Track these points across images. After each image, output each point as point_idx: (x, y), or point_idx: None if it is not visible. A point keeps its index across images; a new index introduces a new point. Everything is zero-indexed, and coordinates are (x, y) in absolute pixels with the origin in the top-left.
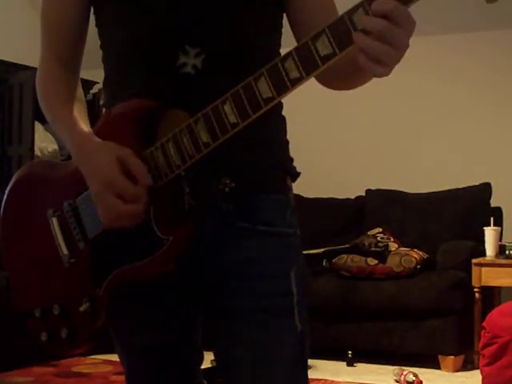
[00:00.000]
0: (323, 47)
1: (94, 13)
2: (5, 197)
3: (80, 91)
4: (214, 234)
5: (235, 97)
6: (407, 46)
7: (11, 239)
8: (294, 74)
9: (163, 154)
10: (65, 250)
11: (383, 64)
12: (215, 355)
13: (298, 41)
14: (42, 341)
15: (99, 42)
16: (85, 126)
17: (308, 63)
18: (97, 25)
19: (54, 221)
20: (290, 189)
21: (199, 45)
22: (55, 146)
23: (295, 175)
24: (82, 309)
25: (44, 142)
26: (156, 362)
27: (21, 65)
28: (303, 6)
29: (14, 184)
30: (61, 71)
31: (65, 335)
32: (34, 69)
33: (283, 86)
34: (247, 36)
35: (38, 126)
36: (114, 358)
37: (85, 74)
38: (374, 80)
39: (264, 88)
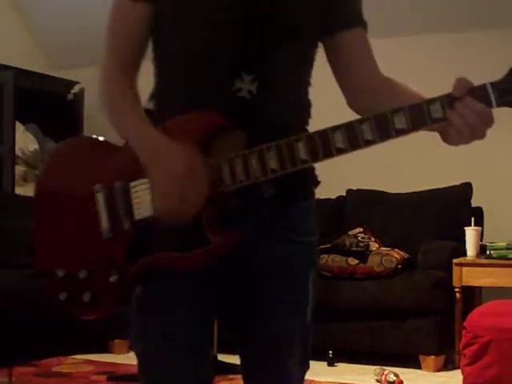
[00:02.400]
0: (399, 122)
1: (155, 28)
2: (48, 159)
3: (139, 94)
4: (253, 237)
5: (310, 139)
6: (484, 136)
7: (45, 201)
8: (368, 136)
9: (229, 168)
10: (106, 224)
11: (462, 139)
12: (236, 345)
13: (337, 76)
14: (60, 300)
15: (153, 55)
16: (151, 127)
17: (383, 131)
18: (155, 39)
19: (100, 196)
20: (314, 195)
21: (253, 72)
22: (36, 146)
23: (318, 183)
24: (111, 279)
25: (25, 142)
26: (175, 338)
27: (1, 64)
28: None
29: (60, 151)
30: (126, 78)
31: (87, 299)
32: (15, 69)
33: (356, 142)
34: (294, 65)
35: (18, 126)
36: (95, 357)
37: (66, 73)
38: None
39: (339, 139)
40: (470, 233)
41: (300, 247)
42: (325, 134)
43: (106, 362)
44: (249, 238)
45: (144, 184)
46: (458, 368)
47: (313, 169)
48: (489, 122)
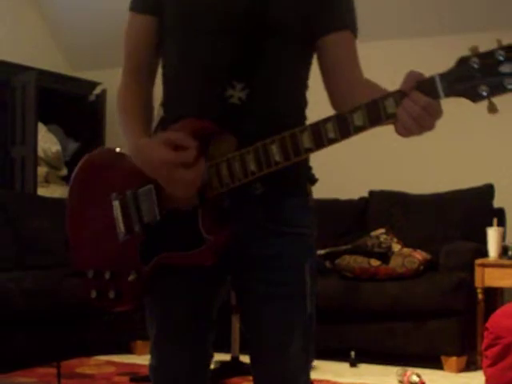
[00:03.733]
0: (357, 119)
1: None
2: (76, 170)
3: (151, 99)
4: (248, 232)
5: (282, 141)
6: (433, 127)
7: (76, 208)
8: (331, 135)
9: (216, 172)
10: (122, 228)
11: (410, 132)
12: (244, 331)
13: (323, 78)
14: (91, 298)
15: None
16: (145, 135)
17: (343, 129)
18: (162, 51)
19: (117, 203)
20: (310, 193)
21: (244, 81)
22: (58, 147)
23: (314, 181)
24: (130, 278)
25: (47, 143)
26: (181, 324)
27: (24, 66)
28: (332, 52)
29: (85, 163)
30: (137, 87)
31: (112, 296)
32: (37, 70)
33: (320, 142)
34: (283, 70)
35: (41, 127)
36: (117, 358)
37: (88, 74)
38: (378, 82)
39: (306, 140)
40: (492, 234)
41: (292, 239)
42: (294, 136)
43: (128, 363)
44: (243, 235)
45: (148, 189)
46: (480, 369)
47: (308, 167)
48: (435, 114)
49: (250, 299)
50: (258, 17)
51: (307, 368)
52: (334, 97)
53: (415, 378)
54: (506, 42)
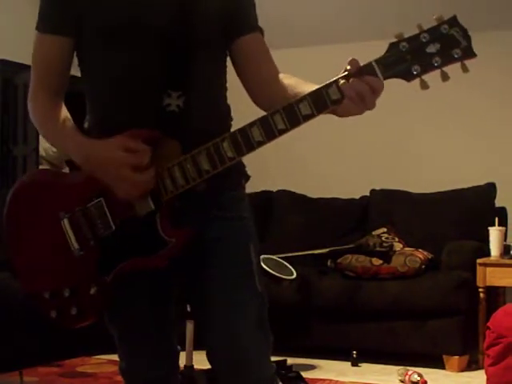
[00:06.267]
0: (305, 109)
1: (78, 49)
2: (9, 197)
3: (65, 110)
4: (197, 222)
5: (233, 137)
6: (374, 106)
7: (17, 232)
8: (281, 126)
9: (170, 176)
10: (75, 245)
11: (354, 108)
12: (193, 314)
13: (241, 78)
14: (52, 317)
15: (81, 74)
16: (82, 137)
17: (292, 119)
18: (81, 67)
19: (66, 221)
20: (244, 187)
21: (179, 89)
22: None
23: (247, 177)
24: (91, 292)
25: (48, 143)
26: (142, 326)
27: (25, 65)
28: (246, 53)
29: (21, 186)
30: (50, 99)
31: (74, 312)
32: None
33: (271, 133)
34: (211, 75)
35: None
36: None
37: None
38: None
39: (256, 133)
40: (494, 233)
41: (235, 222)
42: (244, 131)
43: None
44: (196, 224)
45: (98, 203)
46: (482, 368)
47: (242, 165)
48: (376, 89)
49: (200, 284)
50: (181, 29)
51: (266, 351)
52: (253, 93)
53: (417, 377)
54: (503, 42)
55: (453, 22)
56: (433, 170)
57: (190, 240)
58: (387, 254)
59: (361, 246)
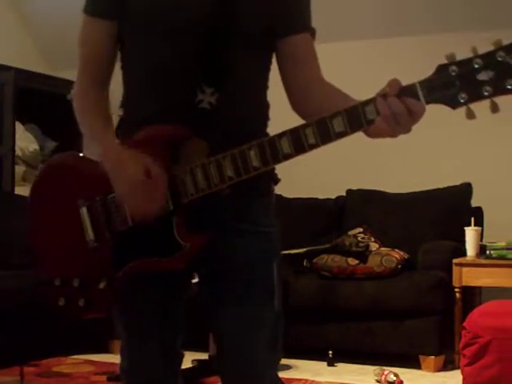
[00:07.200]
0: (338, 126)
1: (121, 40)
2: (37, 178)
3: (109, 106)
4: (217, 234)
5: (260, 147)
6: (409, 130)
7: (39, 215)
8: (311, 141)
9: (192, 178)
10: (91, 235)
11: (387, 131)
12: (211, 330)
13: (283, 78)
14: (60, 305)
15: (121, 63)
16: (113, 138)
17: (324, 135)
18: (121, 50)
19: (84, 210)
20: (273, 192)
21: (213, 85)
22: (36, 146)
23: (277, 181)
24: (100, 286)
25: (25, 142)
26: (151, 326)
27: (1, 65)
28: (293, 52)
29: (48, 167)
30: (96, 92)
31: (82, 304)
32: (15, 69)
33: (301, 147)
34: (251, 73)
35: (18, 126)
36: (95, 358)
37: (66, 73)
38: (356, 81)
39: (285, 146)
40: (470, 233)
41: (260, 238)
42: (272, 142)
43: (106, 362)
44: (213, 237)
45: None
46: (458, 368)
47: (273, 168)
48: (416, 115)
49: (218, 299)
50: (225, 19)
51: (274, 365)
52: (292, 94)
53: (393, 377)
54: (492, 41)
55: (511, 48)
56: (409, 170)
57: (205, 246)
58: (363, 254)
59: (337, 246)
